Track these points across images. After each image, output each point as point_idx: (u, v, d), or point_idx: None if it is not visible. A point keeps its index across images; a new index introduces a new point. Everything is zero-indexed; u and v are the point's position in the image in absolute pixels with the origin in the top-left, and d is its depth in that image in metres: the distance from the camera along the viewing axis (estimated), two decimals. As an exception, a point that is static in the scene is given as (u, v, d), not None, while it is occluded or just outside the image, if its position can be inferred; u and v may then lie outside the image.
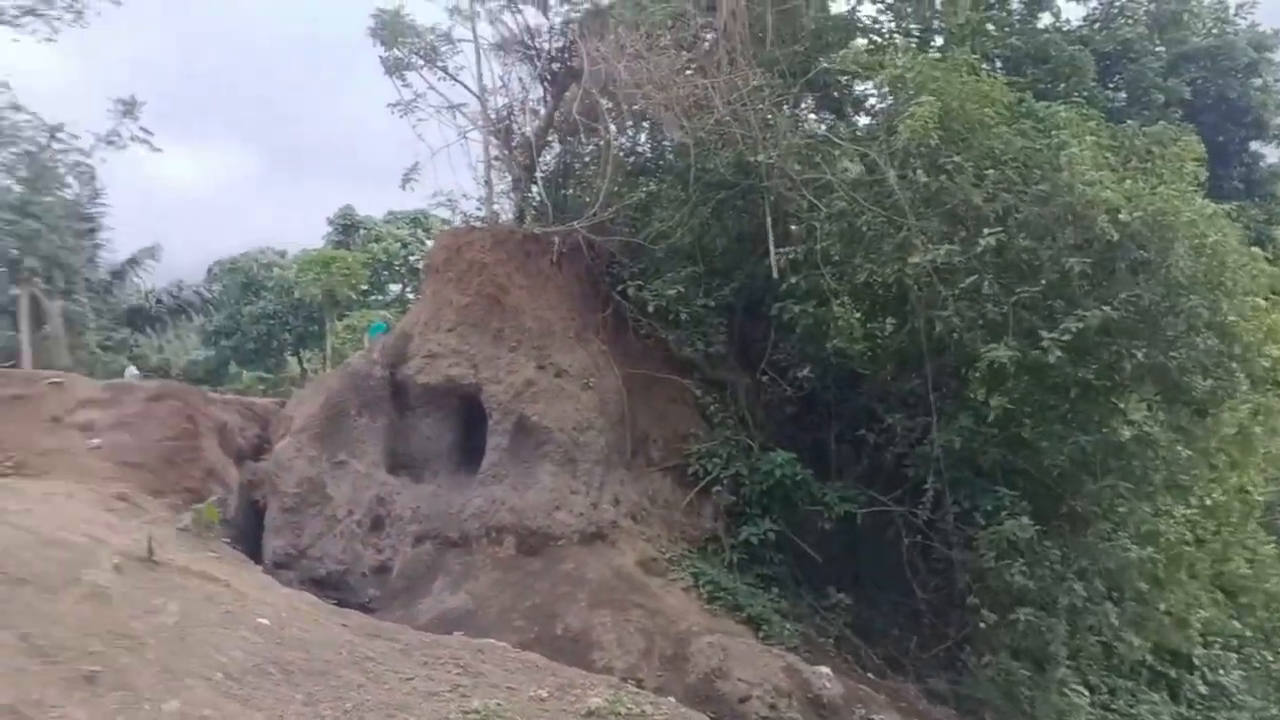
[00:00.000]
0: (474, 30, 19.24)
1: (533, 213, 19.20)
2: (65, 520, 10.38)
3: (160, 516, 12.22)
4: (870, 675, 14.47)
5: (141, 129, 33.91)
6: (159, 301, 39.90)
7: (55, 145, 33.41)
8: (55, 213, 32.06)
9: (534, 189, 19.42)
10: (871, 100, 18.81)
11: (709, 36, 17.78)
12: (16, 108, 31.48)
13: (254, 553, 14.69)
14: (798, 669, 12.59)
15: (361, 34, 19.72)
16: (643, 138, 20.02)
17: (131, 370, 27.18)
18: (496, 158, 19.83)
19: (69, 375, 18.40)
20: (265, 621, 8.91)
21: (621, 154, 18.83)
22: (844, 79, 17.93)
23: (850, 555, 16.60)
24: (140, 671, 6.91)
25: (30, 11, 28.94)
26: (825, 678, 12.55)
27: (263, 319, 38.95)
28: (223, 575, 10.14)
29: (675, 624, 13.09)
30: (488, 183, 19.76)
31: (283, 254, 42.05)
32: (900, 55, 16.02)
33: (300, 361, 41.11)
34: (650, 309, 16.22)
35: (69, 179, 34.76)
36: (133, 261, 38.80)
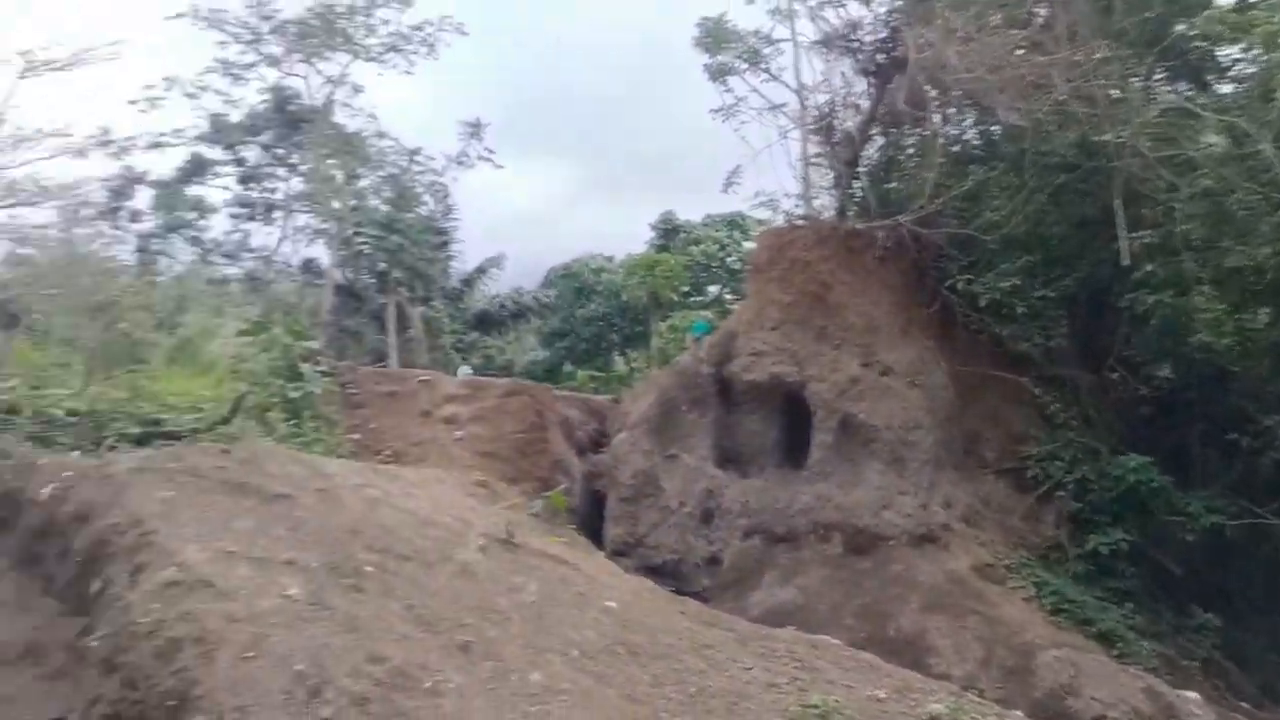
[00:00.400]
0: (793, 29, 19.42)
1: (854, 208, 18.99)
2: (438, 504, 11.43)
3: (515, 502, 13.15)
4: (1244, 704, 13.07)
5: (486, 149, 37.31)
6: (502, 306, 42.99)
7: (414, 167, 37.49)
8: (415, 228, 35.68)
9: (855, 184, 19.18)
10: (1239, 65, 16.74)
11: (1043, 11, 16.70)
12: (381, 135, 35.69)
13: (594, 539, 15.56)
14: (1160, 691, 11.63)
15: (685, 44, 20.60)
16: (969, 124, 19.18)
17: (465, 369, 29.38)
18: (817, 155, 19.86)
19: (435, 373, 20.45)
20: (613, 604, 9.40)
21: (947, 142, 18.14)
22: (1204, 44, 16.15)
23: (1218, 571, 15.16)
24: (506, 644, 7.48)
25: (392, 48, 32.85)
26: (1193, 703, 11.50)
27: (593, 321, 41.30)
28: (572, 559, 10.80)
29: (1017, 635, 12.50)
30: (805, 180, 19.83)
31: (610, 259, 44.12)
32: (1276, 12, 14.13)
33: (627, 360, 42.98)
34: (981, 303, 15.64)
35: (426, 197, 38.76)
36: (480, 270, 42.25)
